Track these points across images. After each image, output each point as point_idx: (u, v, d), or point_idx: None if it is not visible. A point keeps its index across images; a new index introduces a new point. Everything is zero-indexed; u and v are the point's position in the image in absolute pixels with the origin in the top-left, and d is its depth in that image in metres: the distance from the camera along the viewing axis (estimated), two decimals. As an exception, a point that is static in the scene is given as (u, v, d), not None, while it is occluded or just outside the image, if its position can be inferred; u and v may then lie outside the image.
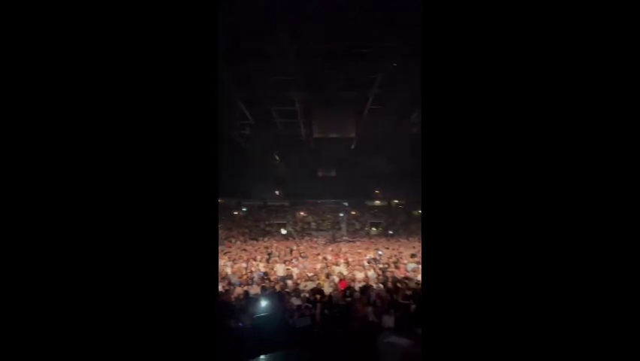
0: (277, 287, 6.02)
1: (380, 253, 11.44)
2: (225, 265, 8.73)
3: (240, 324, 3.64)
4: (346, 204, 23.57)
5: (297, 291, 5.68)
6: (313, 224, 20.42)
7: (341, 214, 22.23)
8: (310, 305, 4.79)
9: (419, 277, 6.93)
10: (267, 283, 6.43)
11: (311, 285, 6.25)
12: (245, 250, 12.61)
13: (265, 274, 7.60)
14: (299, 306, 4.78)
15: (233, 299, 5.18)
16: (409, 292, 5.07)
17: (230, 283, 6.41)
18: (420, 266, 8.80)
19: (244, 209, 21.76)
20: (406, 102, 12.07)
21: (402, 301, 4.57)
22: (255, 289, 5.95)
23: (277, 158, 21.72)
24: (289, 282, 6.72)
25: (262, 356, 3.06)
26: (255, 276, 7.31)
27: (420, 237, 16.84)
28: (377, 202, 25.29)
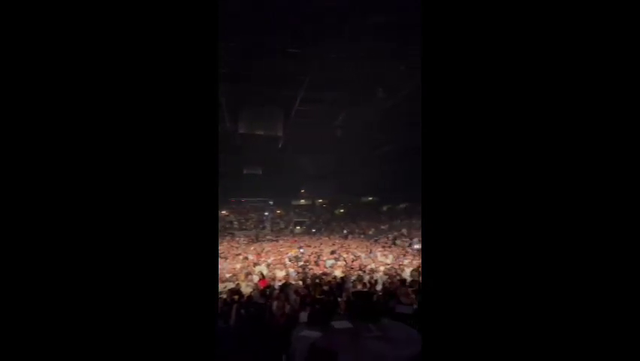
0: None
1: (302, 250, 11.72)
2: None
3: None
4: (271, 203, 23.41)
5: (213, 293, 5.41)
6: (235, 223, 19.71)
7: (266, 213, 21.97)
8: (227, 306, 4.64)
9: (336, 273, 7.33)
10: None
11: (229, 285, 6.05)
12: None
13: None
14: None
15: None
16: (325, 288, 5.32)
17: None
18: (337, 262, 9.32)
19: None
20: (332, 105, 12.61)
21: (318, 297, 4.78)
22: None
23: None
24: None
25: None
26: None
27: (340, 235, 17.72)
28: (302, 201, 25.78)
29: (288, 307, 4.26)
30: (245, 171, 21.48)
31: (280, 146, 17.17)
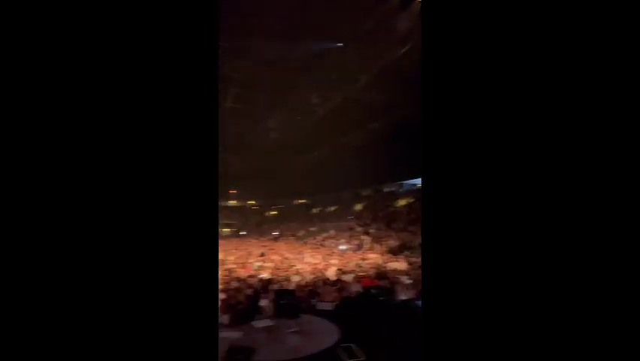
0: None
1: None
2: None
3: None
4: (197, 203, 21.95)
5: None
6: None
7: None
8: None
9: (263, 274, 7.29)
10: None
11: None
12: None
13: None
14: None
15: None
16: (250, 290, 5.28)
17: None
18: (265, 264, 9.26)
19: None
20: (265, 107, 12.51)
21: (242, 298, 4.72)
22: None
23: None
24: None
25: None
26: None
27: (270, 236, 17.46)
28: (232, 202, 24.81)
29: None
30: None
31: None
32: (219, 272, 7.66)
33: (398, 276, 6.25)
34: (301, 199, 24.66)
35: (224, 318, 3.57)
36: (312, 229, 17.90)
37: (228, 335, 2.60)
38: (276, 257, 10.75)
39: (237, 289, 5.31)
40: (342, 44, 8.73)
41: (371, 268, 7.66)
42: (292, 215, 22.71)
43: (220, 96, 11.77)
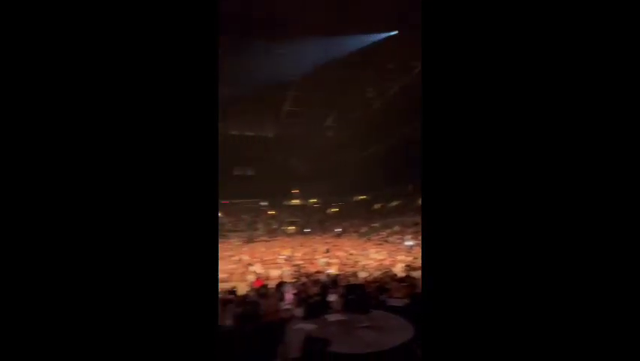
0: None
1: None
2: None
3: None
4: (264, 203, 23.37)
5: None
6: (229, 225, 19.62)
7: (258, 214, 21.92)
8: (222, 306, 4.69)
9: (330, 270, 7.44)
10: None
11: (225, 286, 6.09)
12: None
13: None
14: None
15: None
16: (319, 285, 5.42)
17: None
18: (329, 259, 9.42)
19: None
20: (322, 106, 12.70)
21: (312, 293, 4.87)
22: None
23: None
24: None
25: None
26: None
27: (333, 233, 17.73)
28: (294, 201, 25.79)
29: (282, 304, 4.35)
30: (235, 172, 21.42)
31: (271, 146, 17.19)
32: (289, 267, 8.05)
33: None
34: (361, 195, 24.47)
35: (297, 311, 3.73)
36: (374, 225, 17.64)
37: (303, 327, 2.70)
38: (340, 253, 10.87)
39: (306, 284, 5.51)
40: (397, 32, 8.41)
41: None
42: (353, 212, 22.68)
43: (278, 101, 12.33)
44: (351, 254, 10.51)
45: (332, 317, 3.50)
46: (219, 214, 20.37)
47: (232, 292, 5.33)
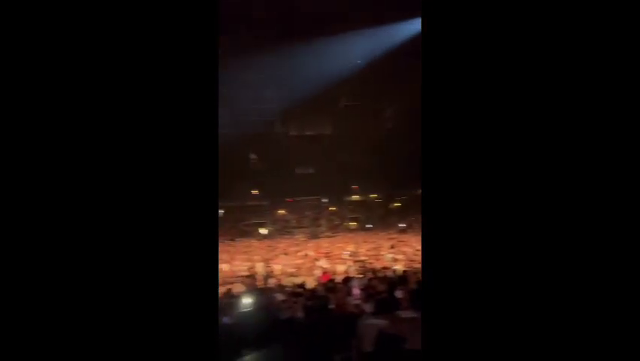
0: (260, 284, 6.11)
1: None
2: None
3: (225, 320, 3.71)
4: (325, 200, 23.80)
5: (280, 287, 5.79)
6: (293, 222, 20.52)
7: (320, 211, 22.44)
8: (294, 299, 4.92)
9: (396, 266, 7.26)
10: (250, 281, 6.48)
11: (294, 280, 6.39)
12: (226, 251, 12.49)
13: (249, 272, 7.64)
14: (282, 301, 4.90)
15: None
16: (386, 281, 5.33)
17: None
18: (395, 255, 9.19)
19: (221, 210, 21.40)
20: (379, 98, 12.40)
21: (380, 289, 4.81)
22: (238, 288, 5.98)
23: (253, 157, 21.52)
24: (272, 279, 6.82)
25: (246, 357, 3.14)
26: (239, 275, 7.33)
27: (397, 229, 17.25)
28: (355, 197, 25.72)
29: (351, 299, 4.38)
30: (297, 171, 22.20)
31: (329, 143, 17.41)
32: (354, 263, 8.09)
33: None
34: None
35: (366, 306, 3.72)
36: (441, 219, 16.65)
37: (375, 323, 2.69)
38: (407, 249, 10.52)
39: (373, 280, 5.46)
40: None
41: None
42: (417, 206, 21.72)
43: (334, 97, 12.40)
44: (417, 250, 10.10)
45: (404, 314, 3.42)
46: (284, 212, 21.43)
47: (301, 285, 5.56)
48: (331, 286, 5.41)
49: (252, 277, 7.14)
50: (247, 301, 4.58)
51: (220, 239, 15.53)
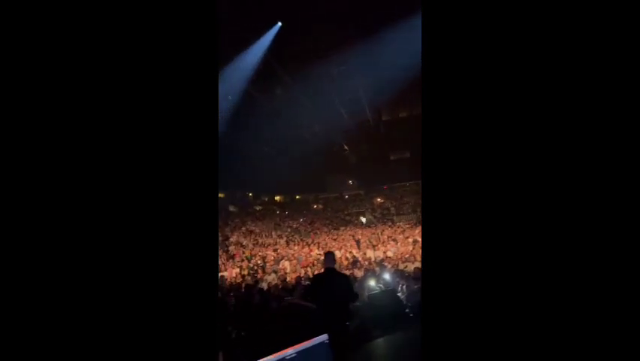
0: (376, 270, 6.31)
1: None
2: (320, 255, 9.46)
3: (358, 303, 3.99)
4: (424, 184, 22.62)
5: (398, 272, 5.87)
6: (392, 209, 20.20)
7: (420, 197, 21.46)
8: (410, 280, 4.96)
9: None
10: (366, 267, 6.76)
11: (410, 266, 6.37)
12: (334, 239, 13.24)
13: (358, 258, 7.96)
14: (404, 284, 4.98)
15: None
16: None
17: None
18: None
19: (321, 202, 22.63)
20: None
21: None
22: (358, 273, 6.33)
23: (346, 148, 21.99)
24: (387, 264, 6.95)
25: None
26: (354, 261, 7.73)
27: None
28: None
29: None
30: (392, 157, 21.72)
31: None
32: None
33: None
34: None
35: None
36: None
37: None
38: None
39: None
40: None
41: None
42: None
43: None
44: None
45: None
46: (381, 200, 21.31)
47: (421, 269, 5.52)
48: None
49: (368, 261, 7.42)
50: (373, 284, 4.83)
51: (327, 229, 16.45)
